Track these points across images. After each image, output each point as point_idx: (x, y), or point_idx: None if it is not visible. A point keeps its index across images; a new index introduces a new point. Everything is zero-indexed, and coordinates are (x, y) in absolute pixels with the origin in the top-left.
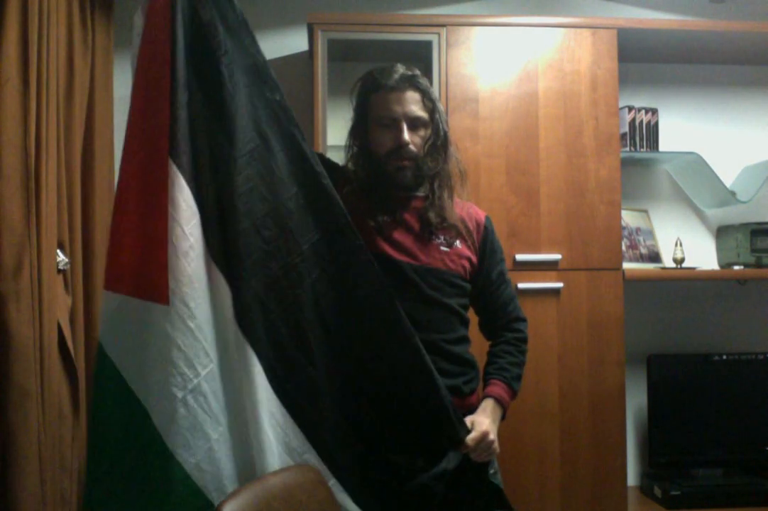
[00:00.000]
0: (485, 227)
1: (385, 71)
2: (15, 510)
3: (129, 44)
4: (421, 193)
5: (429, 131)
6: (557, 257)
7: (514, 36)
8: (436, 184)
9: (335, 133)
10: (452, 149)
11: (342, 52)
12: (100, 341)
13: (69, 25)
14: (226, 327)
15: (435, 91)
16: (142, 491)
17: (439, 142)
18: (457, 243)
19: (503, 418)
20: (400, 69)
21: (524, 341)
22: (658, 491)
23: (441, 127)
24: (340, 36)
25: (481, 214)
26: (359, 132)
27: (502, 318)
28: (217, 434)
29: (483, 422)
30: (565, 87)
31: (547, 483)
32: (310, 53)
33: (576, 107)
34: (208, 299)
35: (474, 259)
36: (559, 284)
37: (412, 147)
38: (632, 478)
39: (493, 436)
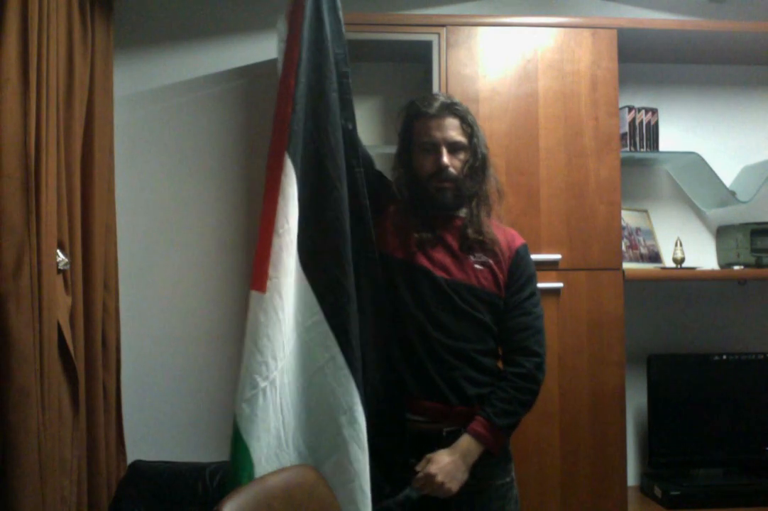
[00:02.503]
0: (516, 252)
1: (426, 100)
2: (15, 510)
3: (131, 45)
4: (461, 214)
5: (468, 154)
6: (557, 256)
7: (514, 36)
8: (474, 204)
9: None
10: (490, 170)
11: None
12: None
13: (69, 25)
14: (312, 327)
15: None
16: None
17: (477, 164)
18: (491, 263)
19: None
20: (440, 97)
21: (523, 376)
22: (658, 491)
23: (479, 150)
24: None
25: (517, 241)
26: (404, 156)
27: (509, 344)
28: (275, 430)
29: (439, 461)
30: (565, 87)
31: (547, 483)
32: None
33: (576, 107)
34: (294, 294)
35: (504, 279)
36: (559, 284)
37: (451, 170)
38: (632, 478)
39: (440, 478)
